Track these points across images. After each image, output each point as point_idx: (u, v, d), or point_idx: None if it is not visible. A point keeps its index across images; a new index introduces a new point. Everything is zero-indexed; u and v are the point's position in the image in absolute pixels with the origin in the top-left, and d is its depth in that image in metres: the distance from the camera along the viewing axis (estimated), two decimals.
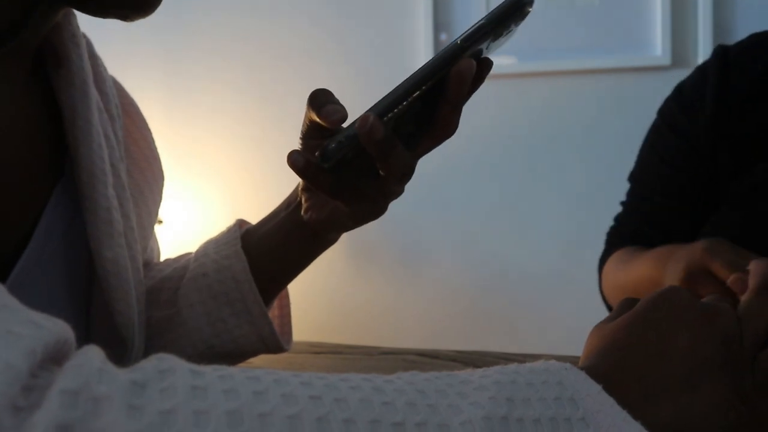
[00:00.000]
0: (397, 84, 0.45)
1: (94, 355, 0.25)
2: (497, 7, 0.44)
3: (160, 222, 1.83)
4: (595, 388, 0.32)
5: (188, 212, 1.99)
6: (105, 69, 0.57)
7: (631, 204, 0.95)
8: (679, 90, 0.90)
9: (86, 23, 0.54)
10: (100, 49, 0.57)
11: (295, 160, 0.48)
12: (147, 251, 0.64)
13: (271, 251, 0.59)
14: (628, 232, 0.94)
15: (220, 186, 2.01)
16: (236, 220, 0.63)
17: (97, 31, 0.54)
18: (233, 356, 0.60)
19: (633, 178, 0.96)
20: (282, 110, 1.94)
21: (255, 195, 1.96)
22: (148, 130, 0.63)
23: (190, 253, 0.65)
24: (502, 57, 1.75)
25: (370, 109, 0.45)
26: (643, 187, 0.93)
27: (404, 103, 0.45)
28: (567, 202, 1.80)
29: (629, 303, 0.41)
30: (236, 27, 1.98)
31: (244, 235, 0.60)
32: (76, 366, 0.24)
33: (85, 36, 0.54)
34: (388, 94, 0.45)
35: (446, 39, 1.83)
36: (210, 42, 2.00)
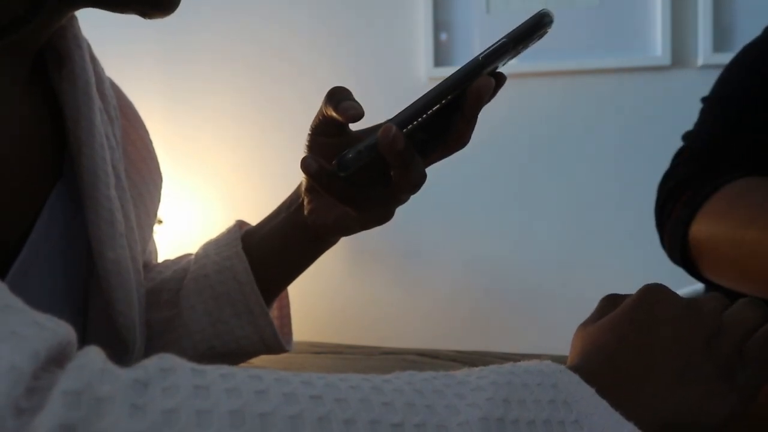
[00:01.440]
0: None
1: (95, 355, 0.25)
2: (519, 26, 0.45)
3: (160, 222, 1.83)
4: (588, 392, 0.33)
5: (188, 212, 1.99)
6: (103, 71, 0.58)
7: (718, 119, 0.78)
8: (758, 38, 0.81)
9: (86, 23, 0.54)
10: (99, 50, 0.57)
11: (308, 165, 0.49)
12: (146, 253, 0.64)
13: (272, 252, 0.59)
14: (722, 148, 0.74)
15: (219, 186, 2.01)
16: (236, 221, 0.63)
17: (96, 31, 0.54)
18: (234, 357, 0.60)
19: (720, 94, 0.80)
20: (281, 111, 1.94)
21: (254, 195, 1.96)
22: (146, 131, 0.63)
23: (189, 255, 0.65)
24: None
25: (390, 120, 0.46)
26: (736, 97, 0.78)
27: (424, 115, 0.46)
28: (567, 203, 1.80)
29: (611, 301, 0.42)
30: (235, 27, 1.98)
31: (244, 236, 0.60)
32: (78, 367, 0.24)
33: (84, 38, 0.54)
34: (409, 106, 0.46)
35: (446, 39, 1.83)
36: (210, 43, 2.00)
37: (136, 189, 0.59)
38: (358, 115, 0.48)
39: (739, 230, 0.66)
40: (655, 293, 0.39)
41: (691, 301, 0.39)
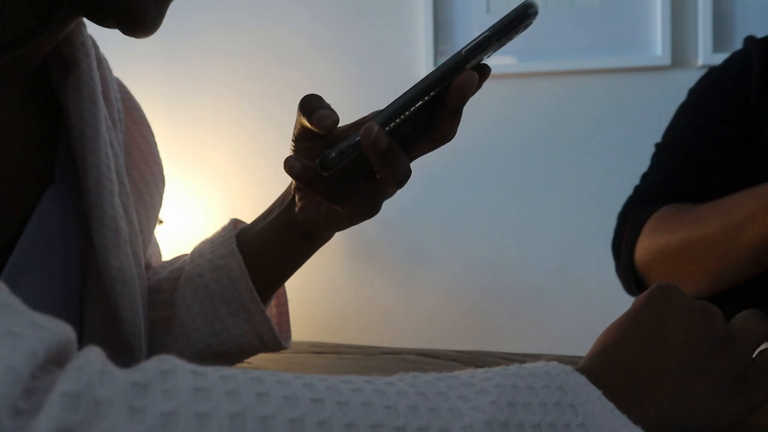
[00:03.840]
0: (399, 92, 0.46)
1: (95, 356, 0.25)
2: (502, 19, 0.45)
3: (161, 222, 1.83)
4: (595, 394, 0.33)
5: (188, 213, 1.99)
6: (110, 71, 0.57)
7: (664, 165, 0.91)
8: (724, 64, 0.92)
9: (87, 23, 0.54)
10: (101, 50, 0.57)
11: (291, 166, 0.49)
12: (146, 255, 0.64)
13: (266, 249, 0.59)
14: (665, 192, 0.87)
15: (220, 186, 2.01)
16: (230, 219, 0.63)
17: (97, 31, 0.54)
18: (232, 355, 0.60)
19: (667, 143, 0.93)
20: (282, 110, 1.94)
21: (255, 195, 1.96)
22: (151, 133, 0.63)
23: (185, 255, 0.65)
24: (502, 57, 1.75)
25: (374, 116, 0.46)
26: (681, 146, 0.90)
27: (407, 113, 0.46)
28: (567, 202, 1.80)
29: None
30: (235, 27, 1.98)
31: (238, 234, 0.60)
32: (77, 368, 0.24)
33: (90, 37, 0.54)
34: (391, 103, 0.46)
35: (446, 38, 1.83)
36: (210, 43, 2.00)
37: (139, 193, 0.58)
38: (333, 123, 0.48)
39: (681, 233, 0.78)
40: (666, 293, 0.39)
41: (703, 305, 0.39)
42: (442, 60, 1.80)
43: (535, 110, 1.80)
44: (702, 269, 0.77)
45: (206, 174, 2.01)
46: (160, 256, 0.70)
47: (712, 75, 0.92)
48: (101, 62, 0.55)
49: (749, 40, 0.91)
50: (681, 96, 0.96)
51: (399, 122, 0.46)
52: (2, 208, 0.46)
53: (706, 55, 1.65)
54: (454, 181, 1.85)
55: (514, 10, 0.44)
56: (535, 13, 0.44)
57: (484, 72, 0.48)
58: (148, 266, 0.65)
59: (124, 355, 0.53)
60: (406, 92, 0.46)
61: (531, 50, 1.76)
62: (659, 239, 0.80)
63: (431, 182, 1.84)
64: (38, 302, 0.47)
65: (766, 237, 0.71)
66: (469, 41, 0.45)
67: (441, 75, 0.45)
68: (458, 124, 0.48)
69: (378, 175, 0.48)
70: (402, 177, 0.48)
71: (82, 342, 0.51)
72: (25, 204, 0.48)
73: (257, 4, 1.96)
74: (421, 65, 1.83)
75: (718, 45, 1.65)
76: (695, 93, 0.94)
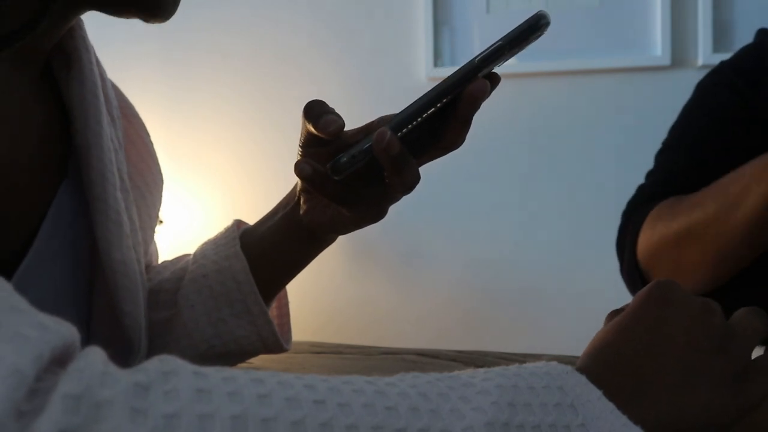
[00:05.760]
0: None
1: (96, 357, 0.25)
2: (515, 29, 0.45)
3: (161, 222, 1.83)
4: (595, 394, 0.32)
5: (188, 213, 1.99)
6: (105, 72, 0.58)
7: (668, 165, 0.89)
8: (734, 58, 0.90)
9: (87, 23, 0.54)
10: (99, 50, 0.57)
11: (302, 170, 0.49)
12: (147, 254, 0.64)
13: (270, 251, 0.59)
14: (669, 192, 0.85)
15: (220, 187, 2.01)
16: (234, 220, 0.63)
17: (96, 31, 0.54)
18: (234, 356, 0.61)
19: (672, 141, 0.91)
20: (282, 111, 1.94)
21: (255, 195, 1.96)
22: (146, 132, 0.63)
23: (187, 255, 0.65)
24: None
25: (386, 121, 0.47)
26: (686, 145, 0.88)
27: (418, 119, 0.46)
28: (567, 203, 1.80)
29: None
30: (236, 28, 1.98)
31: (242, 236, 0.60)
32: (78, 369, 0.24)
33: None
34: (404, 109, 0.47)
35: (446, 39, 1.83)
36: (210, 43, 2.00)
37: (138, 190, 0.59)
38: (339, 128, 0.48)
39: (677, 222, 0.77)
40: (665, 289, 0.38)
41: (703, 302, 0.38)
42: (441, 60, 1.81)
43: (536, 110, 1.80)
44: (702, 252, 0.76)
45: (206, 174, 2.01)
46: (157, 255, 0.70)
47: (722, 69, 0.90)
48: (98, 63, 0.56)
49: (762, 33, 0.89)
50: (681, 96, 0.96)
51: (410, 128, 0.46)
52: (22, 203, 0.46)
53: (706, 55, 1.65)
54: (454, 181, 1.85)
55: (526, 20, 0.45)
56: (547, 24, 0.44)
57: (494, 80, 0.48)
58: (148, 265, 0.65)
59: (126, 351, 0.53)
60: (418, 99, 0.46)
61: (531, 50, 1.75)
62: (659, 229, 0.80)
63: (431, 183, 1.83)
64: (51, 296, 0.47)
65: (759, 206, 0.69)
66: (482, 50, 0.46)
67: (453, 83, 0.46)
68: (467, 132, 0.49)
69: (387, 180, 0.49)
70: (411, 182, 0.48)
71: (90, 335, 0.52)
72: (43, 199, 0.48)
73: (257, 4, 1.96)
74: (421, 65, 1.83)
75: (718, 45, 1.65)
76: (703, 88, 0.92)
